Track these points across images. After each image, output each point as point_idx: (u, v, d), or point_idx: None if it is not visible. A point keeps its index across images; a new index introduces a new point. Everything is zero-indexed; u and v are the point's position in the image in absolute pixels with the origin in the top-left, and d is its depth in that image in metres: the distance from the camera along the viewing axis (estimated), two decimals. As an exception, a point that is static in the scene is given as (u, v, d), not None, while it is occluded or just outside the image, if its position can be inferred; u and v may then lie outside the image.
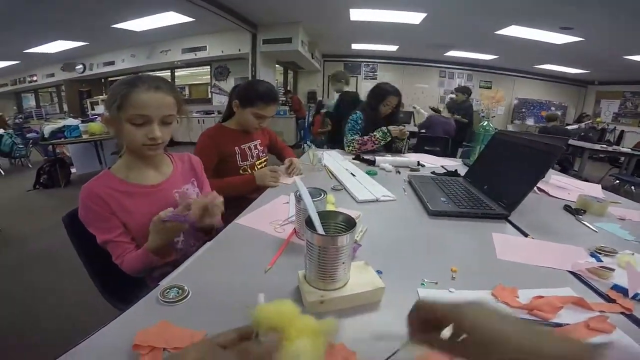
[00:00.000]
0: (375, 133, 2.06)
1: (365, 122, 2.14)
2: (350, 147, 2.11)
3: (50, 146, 4.03)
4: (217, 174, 1.42)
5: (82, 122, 4.23)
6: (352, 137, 2.11)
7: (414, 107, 5.08)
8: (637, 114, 8.09)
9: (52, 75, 9.14)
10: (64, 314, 1.74)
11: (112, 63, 8.02)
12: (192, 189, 1.05)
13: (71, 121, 4.21)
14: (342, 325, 0.55)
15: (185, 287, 0.61)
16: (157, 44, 7.16)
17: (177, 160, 1.06)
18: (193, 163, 1.11)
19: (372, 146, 2.08)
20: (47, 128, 3.96)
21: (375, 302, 0.61)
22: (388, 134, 2.05)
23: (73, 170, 4.58)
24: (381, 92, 2.11)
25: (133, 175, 0.92)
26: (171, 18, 5.45)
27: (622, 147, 5.26)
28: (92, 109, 7.06)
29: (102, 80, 9.29)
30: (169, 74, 8.16)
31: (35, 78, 9.59)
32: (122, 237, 0.87)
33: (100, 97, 7.80)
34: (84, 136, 4.04)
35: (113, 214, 0.86)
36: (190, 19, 5.51)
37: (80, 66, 8.46)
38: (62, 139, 3.96)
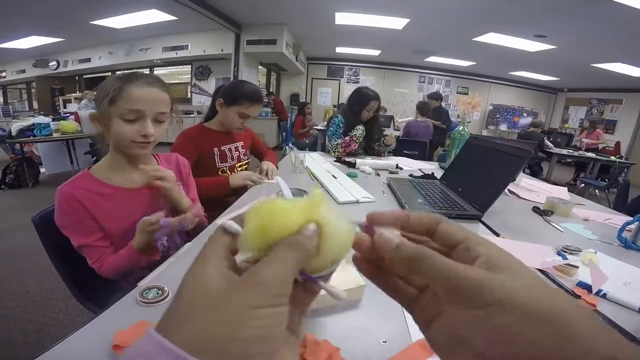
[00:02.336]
0: (354, 132, 2.10)
1: (346, 125, 2.17)
2: (336, 152, 2.13)
3: (18, 144, 3.83)
4: (195, 174, 1.40)
5: (53, 120, 4.04)
6: (336, 142, 2.13)
7: (401, 122, 5.19)
8: (602, 120, 8.55)
9: (23, 71, 8.75)
10: (31, 315, 1.68)
11: (87, 60, 7.75)
12: None
13: (41, 119, 4.01)
14: (325, 322, 0.56)
15: (165, 288, 0.60)
16: (136, 42, 6.98)
17: (164, 162, 1.02)
18: (180, 164, 1.07)
19: (355, 145, 2.12)
20: (15, 125, 3.76)
21: (356, 299, 0.62)
22: (364, 132, 2.14)
23: (42, 169, 4.37)
24: (364, 97, 2.13)
25: (116, 177, 0.88)
26: (153, 16, 5.34)
27: (587, 152, 5.56)
28: (65, 106, 6.77)
29: (77, 77, 8.96)
30: (147, 72, 7.97)
31: (4, 74, 9.12)
32: (101, 242, 0.83)
33: (74, 94, 7.51)
34: (55, 135, 3.86)
35: (92, 218, 0.82)
36: (173, 18, 5.41)
37: (54, 62, 8.11)
38: (31, 137, 3.78)
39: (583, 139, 6.08)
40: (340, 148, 2.11)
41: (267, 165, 1.57)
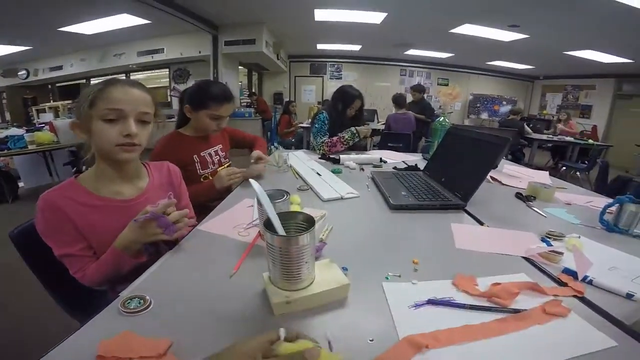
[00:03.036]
0: (343, 134, 2.08)
1: (331, 122, 2.16)
2: (320, 150, 2.11)
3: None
4: None
5: (27, 131, 3.89)
6: (321, 140, 2.11)
7: None
8: (578, 106, 8.84)
9: (-9, 81, 8.40)
10: (18, 331, 1.63)
11: (59, 68, 7.50)
12: None
13: (15, 131, 3.85)
14: (310, 323, 0.55)
15: (147, 297, 0.59)
16: (110, 47, 6.79)
17: (154, 171, 0.98)
18: (172, 173, 1.03)
19: (341, 147, 2.09)
20: (-13, 139, 3.60)
21: (341, 299, 0.61)
22: (357, 134, 2.09)
23: (21, 184, 4.22)
24: (348, 96, 2.13)
25: (103, 187, 0.84)
26: (125, 20, 5.19)
27: (566, 137, 5.72)
28: (39, 117, 6.54)
29: (49, 86, 8.65)
30: (124, 77, 7.78)
31: (-30, 85, 8.73)
32: (85, 252, 0.79)
33: (48, 104, 7.24)
34: (30, 147, 3.71)
35: (75, 228, 0.78)
36: (147, 21, 5.28)
37: (24, 72, 7.82)
38: (6, 151, 3.63)
39: (559, 125, 6.24)
40: (326, 147, 2.09)
41: (257, 153, 1.54)
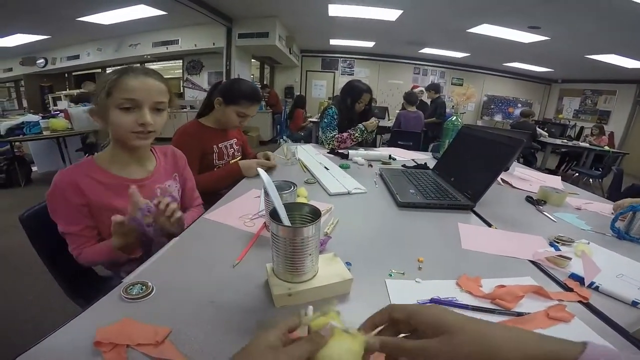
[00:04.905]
0: (354, 132, 2.09)
1: (340, 117, 2.15)
2: (330, 145, 2.11)
3: (8, 144, 3.77)
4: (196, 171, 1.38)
5: (43, 118, 3.97)
6: (331, 135, 2.11)
7: None
8: (596, 111, 8.59)
9: (10, 69, 8.61)
10: (23, 315, 1.66)
11: (76, 57, 7.63)
12: (174, 185, 1.02)
13: (31, 117, 3.94)
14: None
15: (149, 284, 0.60)
16: (125, 37, 6.88)
17: (160, 155, 1.02)
18: (177, 157, 1.07)
19: (351, 143, 2.11)
20: (4, 124, 3.69)
21: (344, 293, 0.61)
22: (365, 130, 2.10)
23: (34, 168, 4.32)
24: (357, 90, 2.13)
25: (116, 168, 0.88)
26: (142, 11, 5.26)
27: (581, 142, 5.58)
28: (55, 104, 6.67)
29: (66, 74, 8.82)
30: (139, 66, 7.89)
31: (-11, 72, 8.96)
32: (87, 232, 0.84)
33: (64, 92, 7.40)
34: (45, 133, 3.80)
35: (86, 205, 0.82)
36: (162, 12, 5.33)
37: (42, 60, 7.99)
38: (21, 136, 3.72)
39: (589, 138, 6.08)
40: (336, 142, 2.09)
41: (269, 155, 1.60)
